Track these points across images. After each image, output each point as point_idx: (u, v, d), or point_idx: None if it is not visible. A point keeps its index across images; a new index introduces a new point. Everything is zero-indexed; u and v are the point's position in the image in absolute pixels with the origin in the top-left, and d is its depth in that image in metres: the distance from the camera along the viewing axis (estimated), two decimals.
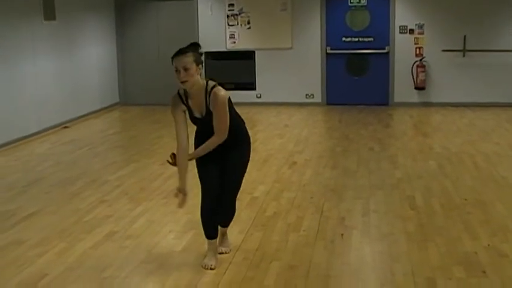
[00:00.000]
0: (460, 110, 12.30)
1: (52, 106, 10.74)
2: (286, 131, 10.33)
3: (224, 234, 5.06)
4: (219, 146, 4.61)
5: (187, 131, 4.56)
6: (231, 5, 13.22)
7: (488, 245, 5.04)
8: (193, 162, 4.68)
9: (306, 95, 13.26)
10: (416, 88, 12.88)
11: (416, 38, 12.84)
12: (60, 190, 6.96)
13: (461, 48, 12.67)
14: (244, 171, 4.90)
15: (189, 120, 4.59)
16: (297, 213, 5.98)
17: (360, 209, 6.09)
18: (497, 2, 12.51)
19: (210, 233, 4.82)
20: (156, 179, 7.30)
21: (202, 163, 4.71)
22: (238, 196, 6.48)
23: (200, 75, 4.50)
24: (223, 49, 13.25)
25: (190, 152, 4.61)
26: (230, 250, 5.03)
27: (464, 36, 12.62)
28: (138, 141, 9.84)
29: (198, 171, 4.74)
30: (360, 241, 5.25)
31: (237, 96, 13.02)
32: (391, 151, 8.77)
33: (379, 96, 13.12)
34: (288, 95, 13.21)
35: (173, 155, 4.61)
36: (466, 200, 6.32)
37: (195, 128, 4.68)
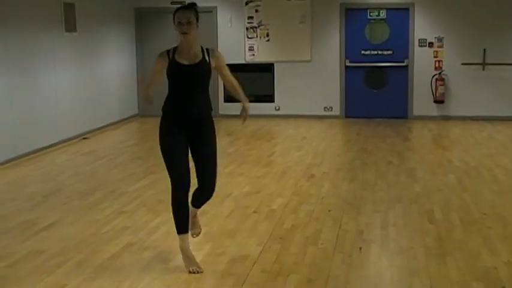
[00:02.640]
0: (480, 123, 12.23)
1: (72, 117, 10.81)
2: (304, 144, 10.31)
3: (195, 216, 5.20)
4: (191, 123, 4.87)
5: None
6: (250, 17, 13.27)
7: (508, 260, 4.99)
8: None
9: (325, 107, 13.26)
10: (435, 101, 12.85)
11: (436, 51, 12.82)
12: (79, 201, 7.00)
13: (480, 61, 12.63)
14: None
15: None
16: (315, 226, 5.96)
17: (379, 222, 6.06)
18: None
19: (181, 224, 4.91)
20: None
21: (171, 152, 4.94)
22: (255, 208, 6.53)
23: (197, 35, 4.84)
24: (242, 61, 13.29)
25: None
26: (200, 231, 5.23)
27: (484, 50, 12.58)
28: (156, 152, 9.77)
29: (167, 162, 4.96)
30: (378, 255, 5.22)
31: (256, 108, 13.04)
32: (410, 164, 8.73)
33: (398, 109, 13.10)
34: (307, 108, 13.21)
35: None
36: (485, 214, 6.27)
37: None
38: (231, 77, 5.08)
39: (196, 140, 4.91)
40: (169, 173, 4.95)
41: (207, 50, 4.90)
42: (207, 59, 4.85)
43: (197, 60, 4.81)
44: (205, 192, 5.01)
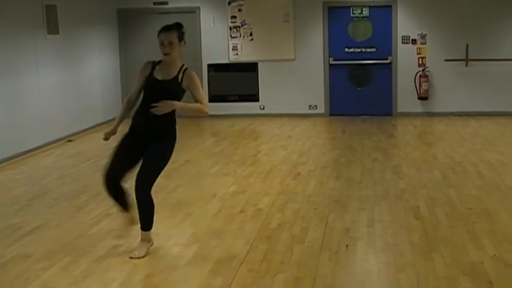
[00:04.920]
0: (464, 119, 12.30)
1: (56, 119, 10.76)
2: (289, 142, 10.32)
3: (143, 239, 5.25)
4: (147, 133, 5.13)
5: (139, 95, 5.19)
6: (234, 17, 13.26)
7: (494, 255, 5.02)
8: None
9: (309, 106, 13.28)
10: (419, 98, 12.90)
11: (419, 48, 12.87)
12: (65, 203, 6.96)
13: (463, 57, 12.69)
14: (163, 164, 5.19)
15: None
16: (301, 224, 5.97)
17: (365, 219, 6.07)
18: (499, 11, 12.55)
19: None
20: (160, 192, 7.26)
21: (124, 143, 5.29)
22: (242, 208, 6.53)
23: (180, 52, 5.11)
24: (226, 61, 13.28)
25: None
26: (142, 255, 5.15)
27: (467, 46, 12.64)
28: None
29: (116, 147, 5.31)
30: (365, 252, 5.24)
31: (241, 107, 13.08)
32: (395, 161, 8.76)
33: (383, 106, 13.13)
34: (291, 106, 13.22)
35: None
36: (470, 209, 6.30)
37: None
38: (199, 101, 5.13)
39: (145, 148, 5.16)
40: (113, 152, 5.34)
41: (185, 70, 5.09)
42: (180, 78, 5.05)
43: (169, 78, 5.05)
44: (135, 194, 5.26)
